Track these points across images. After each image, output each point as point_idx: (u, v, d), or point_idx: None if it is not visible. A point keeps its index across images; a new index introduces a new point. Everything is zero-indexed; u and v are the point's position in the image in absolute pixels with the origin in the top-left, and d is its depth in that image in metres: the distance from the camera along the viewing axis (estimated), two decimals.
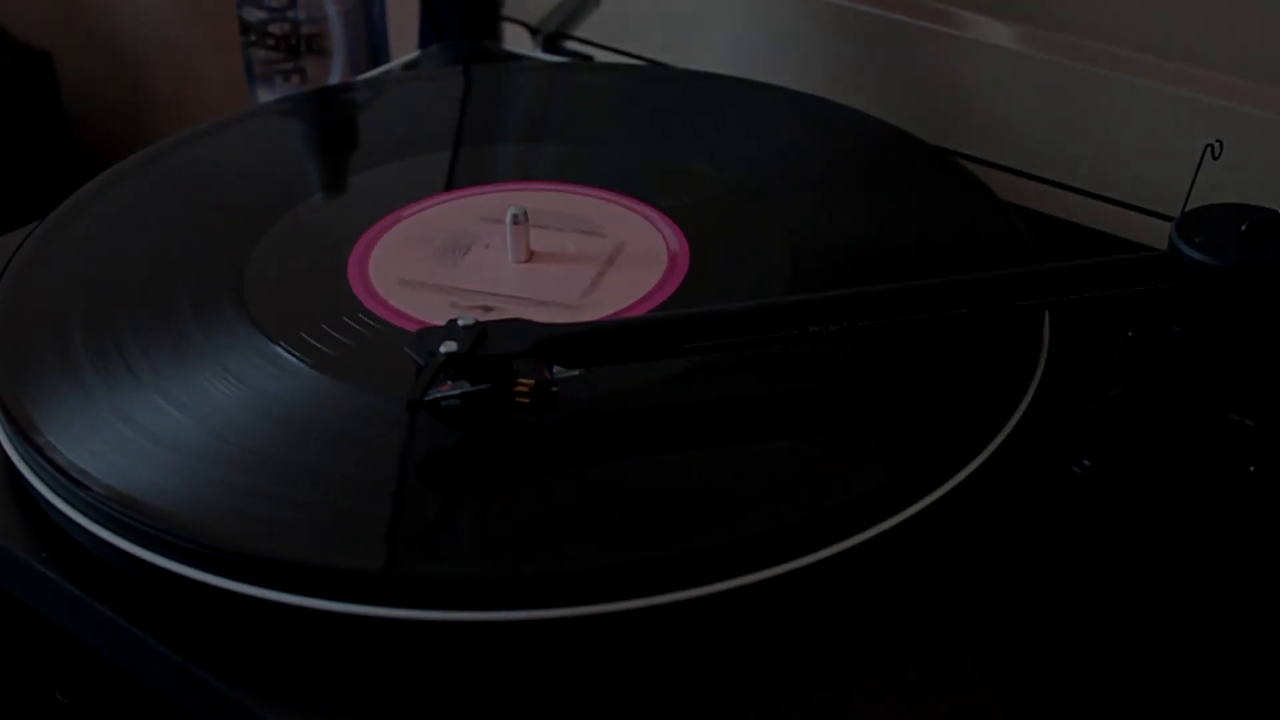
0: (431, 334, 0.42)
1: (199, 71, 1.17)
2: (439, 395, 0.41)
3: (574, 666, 0.38)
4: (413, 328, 0.45)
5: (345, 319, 0.47)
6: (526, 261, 0.51)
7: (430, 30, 0.76)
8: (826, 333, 0.42)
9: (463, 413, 0.42)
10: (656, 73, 0.70)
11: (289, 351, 0.45)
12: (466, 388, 0.42)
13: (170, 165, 0.58)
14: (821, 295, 0.43)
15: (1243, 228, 0.41)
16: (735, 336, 0.42)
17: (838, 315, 0.42)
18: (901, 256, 0.51)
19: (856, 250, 0.52)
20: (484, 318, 0.42)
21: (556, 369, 0.42)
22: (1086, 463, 0.43)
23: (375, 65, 0.73)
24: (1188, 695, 0.37)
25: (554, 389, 0.42)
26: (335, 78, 0.72)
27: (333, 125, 0.63)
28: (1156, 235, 0.57)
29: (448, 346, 0.41)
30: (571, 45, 0.75)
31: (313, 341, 0.46)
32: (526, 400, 0.42)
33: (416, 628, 0.37)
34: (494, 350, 0.41)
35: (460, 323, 0.42)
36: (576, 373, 0.42)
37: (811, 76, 0.66)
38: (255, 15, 0.71)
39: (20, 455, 0.43)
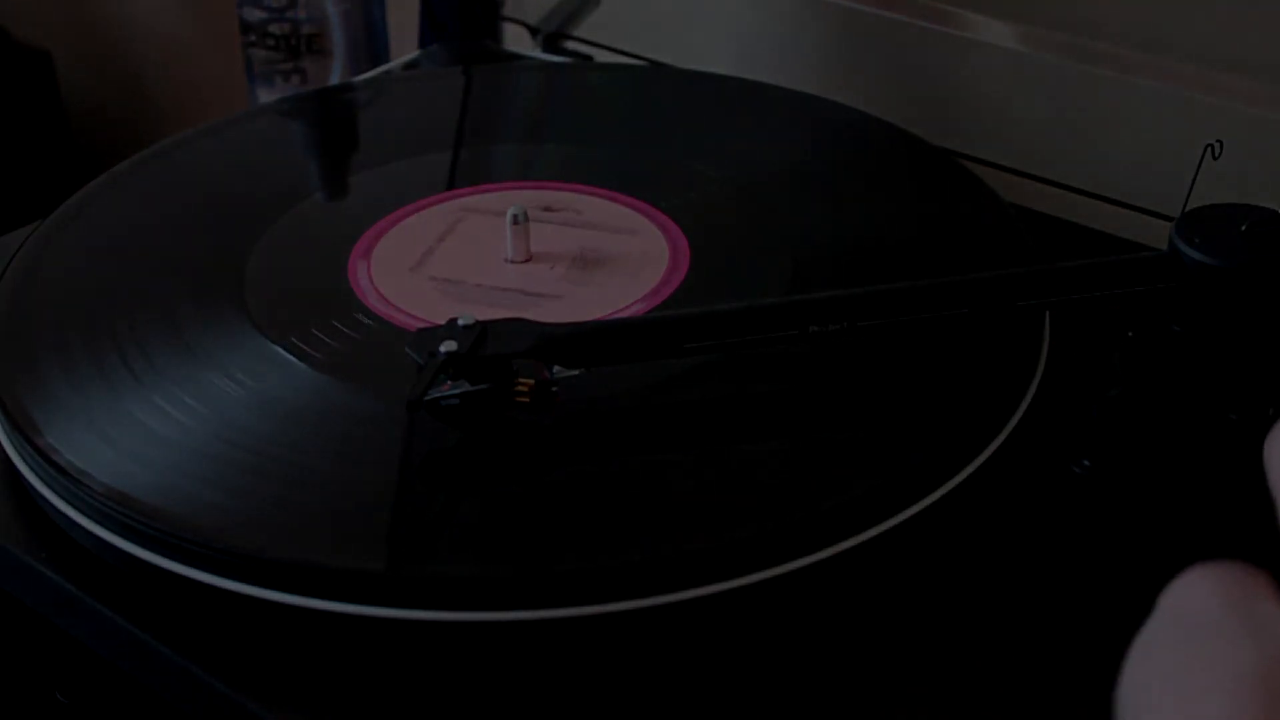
0: (431, 334, 0.42)
1: (199, 71, 1.17)
2: (439, 395, 0.41)
3: (574, 666, 0.38)
4: (413, 327, 0.45)
5: (346, 319, 0.47)
6: (526, 261, 0.51)
7: (430, 30, 0.76)
8: (826, 332, 0.42)
9: (463, 413, 0.42)
10: (656, 73, 0.70)
11: (289, 351, 0.45)
12: (466, 388, 0.41)
13: (170, 165, 0.58)
14: (821, 295, 0.43)
15: (1243, 228, 0.41)
16: (735, 336, 0.42)
17: (838, 315, 0.42)
18: (902, 257, 0.51)
19: (856, 250, 0.52)
20: (484, 317, 0.42)
21: (556, 369, 0.42)
22: (1086, 463, 0.43)
23: (375, 65, 0.73)
24: None
25: (554, 389, 0.42)
26: (335, 78, 0.72)
27: (333, 125, 0.63)
28: (1156, 235, 0.57)
29: (448, 346, 0.41)
30: (571, 45, 0.75)
31: (313, 341, 0.46)
32: (526, 400, 0.42)
33: (416, 628, 0.37)
34: (494, 350, 0.41)
35: (460, 322, 0.42)
36: (576, 373, 0.42)
37: (811, 76, 0.66)
38: (255, 15, 0.71)
39: (20, 455, 0.43)
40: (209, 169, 0.58)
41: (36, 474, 0.42)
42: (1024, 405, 0.44)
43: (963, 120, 0.63)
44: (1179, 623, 0.27)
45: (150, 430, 0.42)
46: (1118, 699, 0.27)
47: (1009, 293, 0.43)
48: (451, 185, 0.56)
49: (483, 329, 0.42)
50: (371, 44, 0.74)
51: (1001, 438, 0.43)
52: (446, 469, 0.41)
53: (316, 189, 0.57)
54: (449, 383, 0.41)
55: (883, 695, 0.37)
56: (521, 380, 0.42)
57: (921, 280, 0.43)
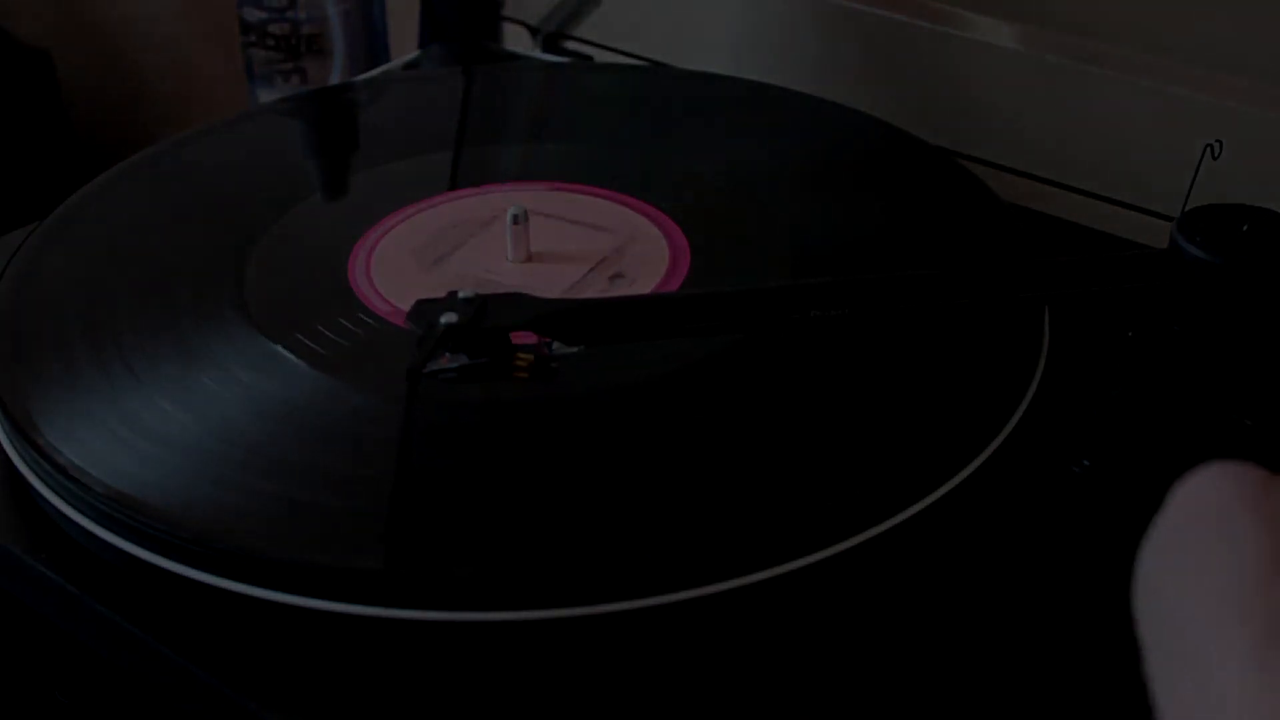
0: (431, 305, 0.41)
1: (199, 71, 1.17)
2: (437, 368, 0.41)
3: (573, 666, 0.38)
4: None
5: (346, 319, 0.47)
6: (526, 261, 0.51)
7: (430, 30, 0.76)
8: (828, 318, 0.42)
9: (461, 385, 0.42)
10: (656, 73, 0.70)
11: (289, 351, 0.45)
12: (464, 361, 0.41)
13: (170, 165, 0.58)
14: (823, 280, 0.43)
15: (1244, 228, 0.41)
16: (736, 317, 0.42)
17: (839, 300, 0.42)
18: (901, 257, 0.51)
19: (856, 251, 0.52)
20: None
21: (556, 345, 0.42)
22: (1086, 463, 0.43)
23: (375, 65, 0.73)
24: None
25: (553, 364, 0.42)
26: (335, 78, 0.72)
27: (333, 125, 0.62)
28: (1157, 235, 0.57)
29: (448, 318, 0.41)
30: (571, 45, 0.75)
31: (313, 341, 0.46)
32: (525, 376, 0.42)
33: (416, 628, 0.37)
34: (493, 323, 0.41)
35: (460, 295, 0.41)
36: (575, 350, 0.42)
37: (811, 76, 0.66)
38: (255, 15, 0.71)
39: (20, 455, 0.43)
40: (209, 169, 0.58)
41: (36, 474, 0.42)
42: (1024, 405, 0.44)
43: (962, 120, 0.63)
44: (1196, 518, 0.27)
45: (150, 430, 0.42)
46: (1136, 596, 0.27)
47: (1010, 284, 0.43)
48: (452, 185, 0.56)
49: (482, 302, 0.41)
50: (371, 44, 0.74)
51: (1001, 438, 0.43)
52: (446, 468, 0.41)
53: (316, 189, 0.56)
54: (447, 356, 0.41)
55: (883, 695, 0.37)
56: (520, 355, 0.42)
57: (924, 270, 0.43)
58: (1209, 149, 0.43)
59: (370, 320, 0.47)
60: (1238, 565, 0.25)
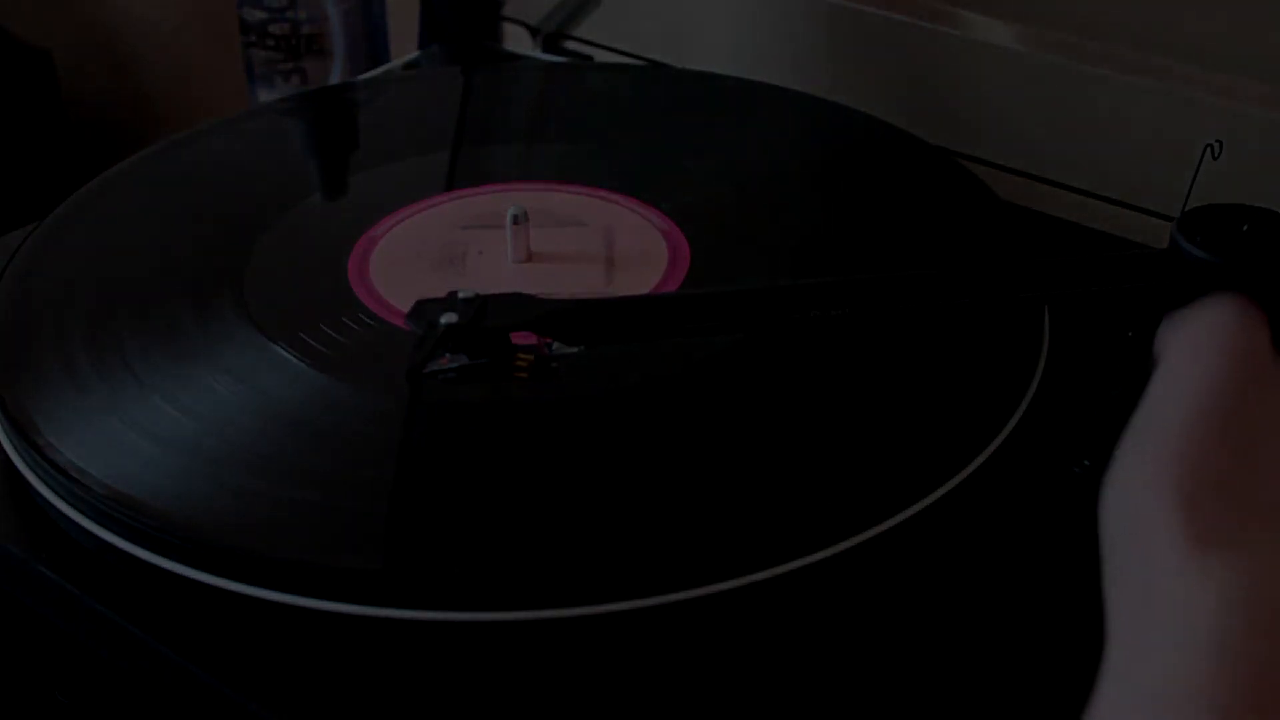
0: (431, 305, 0.41)
1: (199, 71, 1.17)
2: (436, 369, 0.41)
3: (573, 666, 0.38)
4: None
5: (345, 319, 0.47)
6: (526, 261, 0.51)
7: (430, 30, 0.76)
8: (828, 318, 0.42)
9: (461, 385, 0.42)
10: (656, 73, 0.70)
11: (289, 351, 0.45)
12: (464, 361, 0.41)
13: (170, 165, 0.58)
14: (824, 280, 0.43)
15: (1244, 228, 0.41)
16: (736, 318, 0.42)
17: (840, 300, 0.42)
18: (900, 257, 0.51)
19: (855, 251, 0.52)
20: None
21: (556, 345, 0.42)
22: (1086, 463, 0.43)
23: (375, 65, 0.73)
24: None
25: (554, 364, 0.42)
26: (335, 78, 0.72)
27: (333, 125, 0.63)
28: (1156, 235, 0.57)
29: (448, 318, 0.41)
30: (571, 45, 0.75)
31: (313, 341, 0.46)
32: (525, 376, 0.42)
33: (416, 628, 0.37)
34: (493, 323, 0.41)
35: (460, 295, 0.41)
36: (575, 350, 0.42)
37: (811, 76, 0.66)
38: (255, 15, 0.71)
39: (20, 455, 0.43)
40: (209, 169, 0.58)
41: (36, 474, 0.42)
42: (1024, 405, 0.44)
43: (962, 120, 0.63)
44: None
45: (150, 430, 0.42)
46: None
47: (1010, 284, 0.43)
48: (451, 185, 0.56)
49: (483, 302, 0.41)
50: (371, 44, 0.74)
51: (1001, 438, 0.43)
52: (446, 468, 0.41)
53: (316, 189, 0.56)
54: (447, 356, 0.41)
55: (883, 695, 0.37)
56: (521, 355, 0.42)
57: (924, 270, 0.43)
58: (1209, 149, 0.43)
59: (370, 320, 0.47)
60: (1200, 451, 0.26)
